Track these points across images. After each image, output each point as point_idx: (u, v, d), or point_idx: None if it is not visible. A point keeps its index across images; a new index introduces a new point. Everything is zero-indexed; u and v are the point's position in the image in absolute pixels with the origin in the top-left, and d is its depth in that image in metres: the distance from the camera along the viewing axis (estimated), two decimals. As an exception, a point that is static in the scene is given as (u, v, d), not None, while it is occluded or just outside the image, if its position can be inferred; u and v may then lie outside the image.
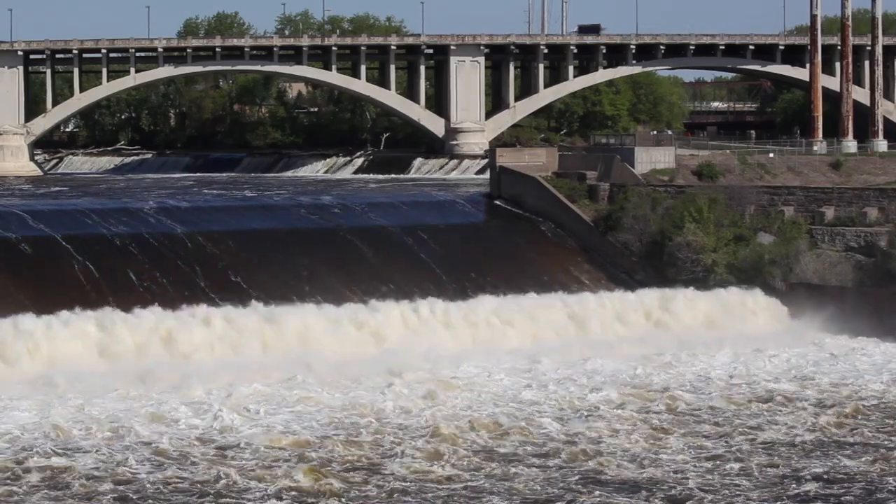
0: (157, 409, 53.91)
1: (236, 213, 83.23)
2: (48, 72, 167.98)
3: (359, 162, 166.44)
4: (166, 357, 62.21)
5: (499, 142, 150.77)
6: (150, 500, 42.80)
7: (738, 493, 44.41)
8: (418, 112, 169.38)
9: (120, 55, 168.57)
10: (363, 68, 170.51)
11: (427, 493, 43.78)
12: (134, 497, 43.02)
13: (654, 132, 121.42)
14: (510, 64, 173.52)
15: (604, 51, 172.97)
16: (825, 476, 46.31)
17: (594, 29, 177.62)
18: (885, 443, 50.99)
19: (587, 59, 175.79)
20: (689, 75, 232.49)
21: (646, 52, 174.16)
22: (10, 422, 51.57)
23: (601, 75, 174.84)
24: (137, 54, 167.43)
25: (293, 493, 43.53)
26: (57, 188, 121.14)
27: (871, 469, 47.25)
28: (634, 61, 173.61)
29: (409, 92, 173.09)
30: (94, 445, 48.56)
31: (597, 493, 44.09)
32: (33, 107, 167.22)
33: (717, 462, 47.97)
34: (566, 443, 50.15)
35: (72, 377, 57.98)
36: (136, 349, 62.52)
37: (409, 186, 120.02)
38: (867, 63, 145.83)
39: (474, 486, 44.48)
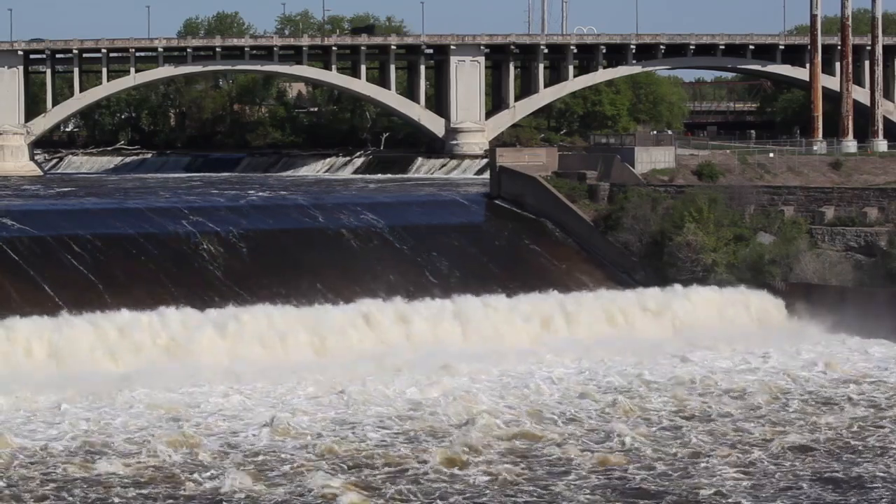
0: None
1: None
2: (48, 72, 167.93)
3: (359, 162, 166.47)
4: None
5: (499, 142, 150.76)
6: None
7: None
8: (418, 112, 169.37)
9: (120, 55, 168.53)
10: (363, 68, 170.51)
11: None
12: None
13: (654, 132, 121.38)
14: (510, 64, 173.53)
15: (603, 51, 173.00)
16: (837, 477, 46.46)
17: (368, 29, 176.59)
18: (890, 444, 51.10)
19: (587, 58, 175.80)
20: (689, 75, 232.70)
21: (646, 52, 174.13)
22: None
23: (601, 75, 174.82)
24: (137, 54, 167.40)
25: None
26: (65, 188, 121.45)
27: (880, 471, 47.31)
28: (634, 61, 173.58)
29: (409, 92, 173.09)
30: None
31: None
32: (33, 107, 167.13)
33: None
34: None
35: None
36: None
37: (409, 186, 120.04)
38: (867, 63, 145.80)
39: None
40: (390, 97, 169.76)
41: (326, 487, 44.31)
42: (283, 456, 48.30)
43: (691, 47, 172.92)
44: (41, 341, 62.20)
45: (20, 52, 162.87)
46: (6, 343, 61.80)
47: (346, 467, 46.97)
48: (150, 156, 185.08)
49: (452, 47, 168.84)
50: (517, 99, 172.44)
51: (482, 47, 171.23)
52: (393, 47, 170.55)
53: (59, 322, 63.42)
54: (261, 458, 48.15)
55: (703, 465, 47.86)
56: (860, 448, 50.12)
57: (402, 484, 44.96)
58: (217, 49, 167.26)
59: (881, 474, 46.61)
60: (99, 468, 46.43)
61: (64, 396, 55.85)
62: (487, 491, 44.51)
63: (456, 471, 46.63)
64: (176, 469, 46.54)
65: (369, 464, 47.38)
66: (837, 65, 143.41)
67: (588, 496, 44.06)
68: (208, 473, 45.95)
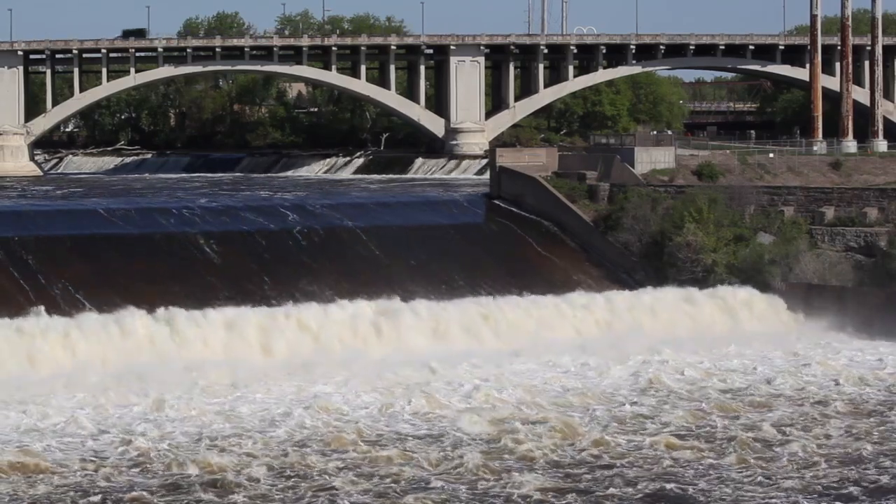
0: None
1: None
2: (48, 72, 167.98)
3: (359, 162, 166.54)
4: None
5: (499, 142, 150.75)
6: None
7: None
8: (418, 112, 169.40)
9: (120, 55, 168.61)
10: (363, 68, 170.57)
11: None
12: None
13: (654, 132, 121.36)
14: (510, 64, 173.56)
15: (603, 51, 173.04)
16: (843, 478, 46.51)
17: (140, 33, 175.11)
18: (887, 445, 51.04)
19: (587, 59, 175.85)
20: (689, 75, 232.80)
21: (646, 52, 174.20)
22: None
23: (601, 75, 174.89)
24: (137, 54, 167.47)
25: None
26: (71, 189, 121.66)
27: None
28: (634, 61, 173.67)
29: (409, 92, 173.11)
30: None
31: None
32: (33, 107, 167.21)
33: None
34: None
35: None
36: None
37: (409, 186, 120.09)
38: (867, 63, 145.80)
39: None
40: (390, 97, 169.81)
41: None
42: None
43: (691, 47, 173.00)
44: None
45: (20, 52, 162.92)
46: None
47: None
48: (150, 156, 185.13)
49: (452, 47, 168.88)
50: (517, 99, 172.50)
51: (482, 47, 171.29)
52: (393, 47, 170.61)
53: None
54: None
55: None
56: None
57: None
58: (217, 49, 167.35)
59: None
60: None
61: None
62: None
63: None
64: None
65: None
66: (837, 65, 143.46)
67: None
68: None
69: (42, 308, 64.18)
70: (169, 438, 50.18)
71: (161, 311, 65.19)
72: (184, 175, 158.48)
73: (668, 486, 45.00)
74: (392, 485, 44.98)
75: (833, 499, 43.96)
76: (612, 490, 44.56)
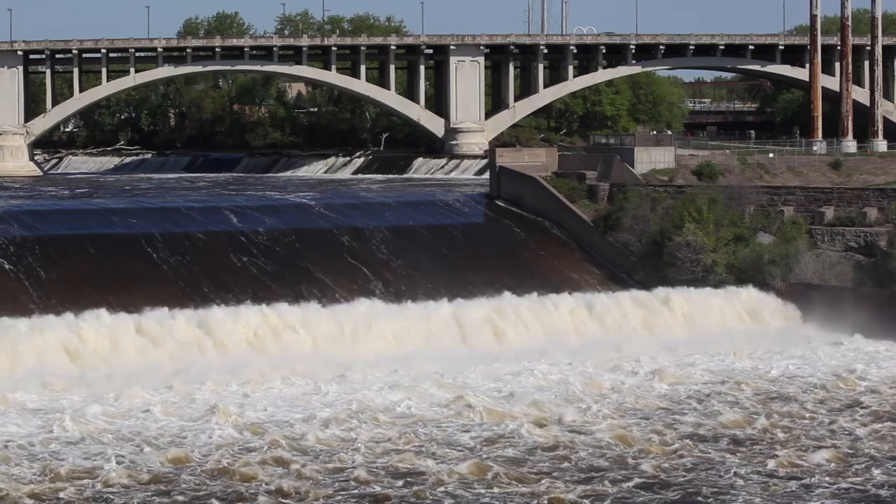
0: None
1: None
2: (48, 72, 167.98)
3: (359, 162, 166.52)
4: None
5: (498, 142, 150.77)
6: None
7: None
8: (418, 112, 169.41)
9: (120, 55, 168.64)
10: (363, 68, 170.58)
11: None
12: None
13: (654, 132, 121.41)
14: (510, 64, 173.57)
15: (603, 51, 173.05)
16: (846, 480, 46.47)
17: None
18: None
19: (587, 59, 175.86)
20: (689, 75, 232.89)
21: (646, 52, 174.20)
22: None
23: (601, 75, 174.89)
24: (137, 54, 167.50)
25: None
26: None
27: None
28: (634, 61, 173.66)
29: (409, 92, 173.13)
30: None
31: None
32: (33, 107, 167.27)
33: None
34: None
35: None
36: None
37: (409, 186, 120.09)
38: (867, 63, 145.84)
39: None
40: (390, 97, 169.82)
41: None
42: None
43: (691, 47, 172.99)
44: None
45: (20, 52, 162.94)
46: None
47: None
48: (149, 156, 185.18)
49: (452, 47, 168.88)
50: (517, 99, 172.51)
51: (482, 47, 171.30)
52: (392, 47, 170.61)
53: None
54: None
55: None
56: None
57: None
58: (217, 49, 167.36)
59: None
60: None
61: None
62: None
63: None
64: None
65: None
66: (837, 65, 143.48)
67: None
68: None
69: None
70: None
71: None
72: (184, 175, 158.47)
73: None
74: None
75: (836, 499, 44.05)
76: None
